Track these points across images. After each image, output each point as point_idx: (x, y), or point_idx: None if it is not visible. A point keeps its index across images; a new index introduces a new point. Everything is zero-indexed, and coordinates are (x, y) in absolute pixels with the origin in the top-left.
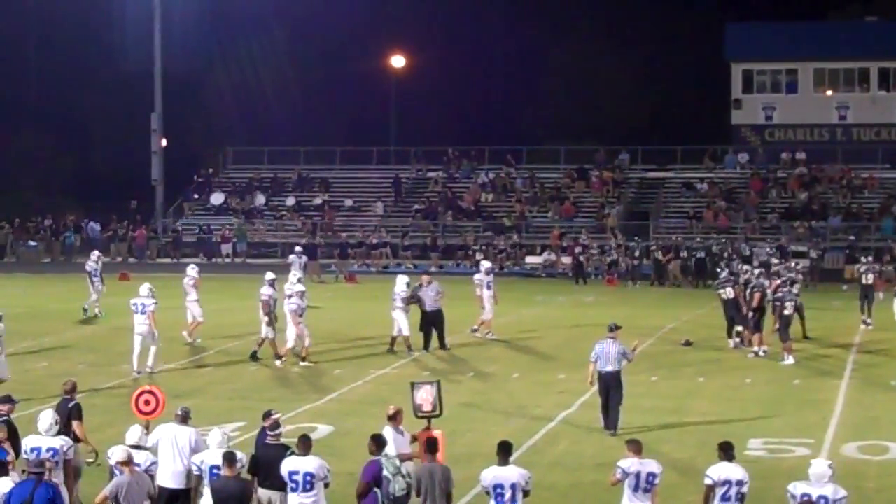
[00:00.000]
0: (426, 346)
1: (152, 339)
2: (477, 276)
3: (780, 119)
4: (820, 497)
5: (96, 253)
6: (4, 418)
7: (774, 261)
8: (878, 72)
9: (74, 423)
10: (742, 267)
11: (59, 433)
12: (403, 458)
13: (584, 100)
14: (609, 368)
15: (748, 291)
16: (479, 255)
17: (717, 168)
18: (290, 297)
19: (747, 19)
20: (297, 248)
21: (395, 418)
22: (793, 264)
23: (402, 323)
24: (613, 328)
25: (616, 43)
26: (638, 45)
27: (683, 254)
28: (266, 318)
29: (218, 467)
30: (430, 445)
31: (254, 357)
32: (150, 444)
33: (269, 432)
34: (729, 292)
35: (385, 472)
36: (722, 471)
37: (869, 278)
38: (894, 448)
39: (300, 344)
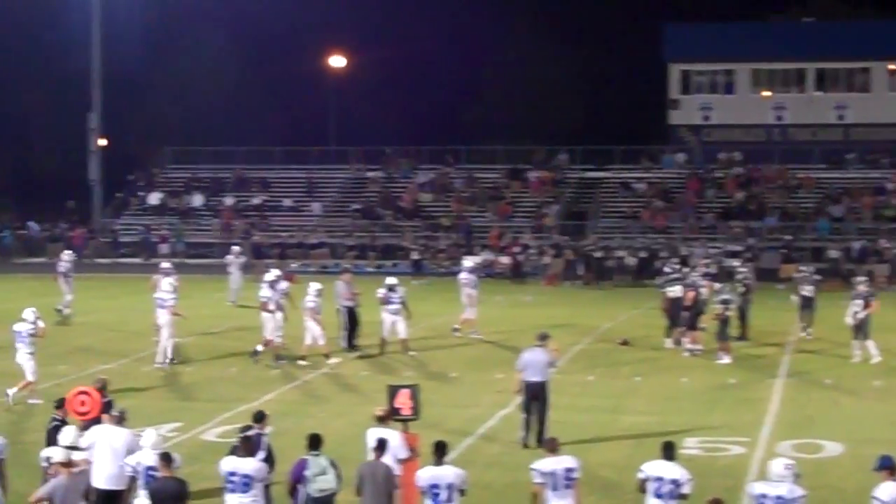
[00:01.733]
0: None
1: (168, 332)
2: (462, 276)
3: (718, 119)
4: (776, 497)
5: (68, 252)
6: None
7: (736, 262)
8: (815, 72)
9: None
10: (675, 267)
11: None
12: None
13: (522, 100)
14: (536, 378)
15: (684, 290)
16: (414, 255)
17: (655, 168)
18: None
19: (685, 20)
20: (235, 248)
21: (385, 420)
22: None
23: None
24: (542, 337)
25: (554, 43)
26: (576, 45)
27: (622, 253)
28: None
29: (153, 468)
30: (380, 445)
31: (255, 354)
32: (86, 445)
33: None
34: (677, 290)
35: (307, 472)
36: (656, 468)
37: (808, 289)
38: (829, 446)
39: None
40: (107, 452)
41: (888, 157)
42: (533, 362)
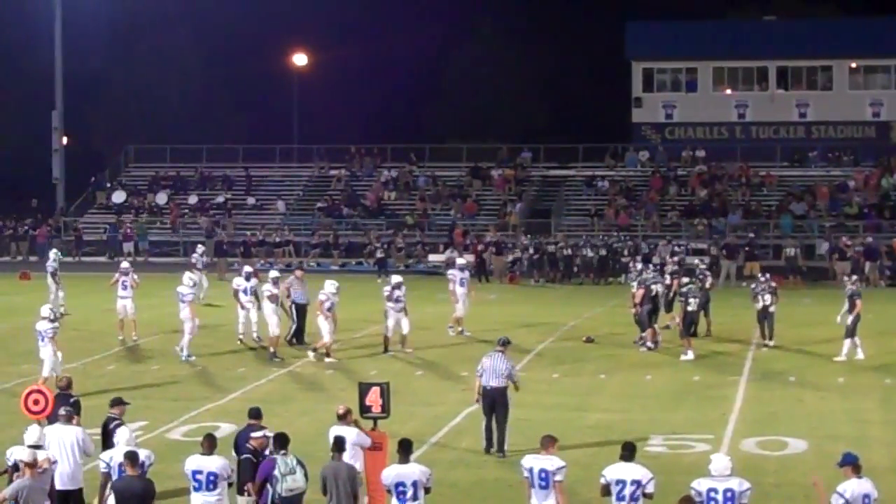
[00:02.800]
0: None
1: (190, 327)
2: (451, 272)
3: (680, 117)
4: (726, 490)
5: (55, 251)
6: None
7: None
8: (777, 70)
9: None
10: (637, 266)
11: None
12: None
13: (486, 98)
14: (494, 384)
15: (635, 288)
16: (379, 254)
17: (618, 166)
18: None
19: (647, 18)
20: (200, 248)
21: (345, 417)
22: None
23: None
24: (503, 342)
25: (517, 41)
26: (539, 43)
27: (586, 251)
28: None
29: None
30: (337, 444)
31: (283, 343)
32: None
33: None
34: (658, 288)
35: (275, 472)
36: (616, 471)
37: (766, 299)
38: (793, 443)
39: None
40: (60, 452)
41: (850, 154)
42: (492, 367)
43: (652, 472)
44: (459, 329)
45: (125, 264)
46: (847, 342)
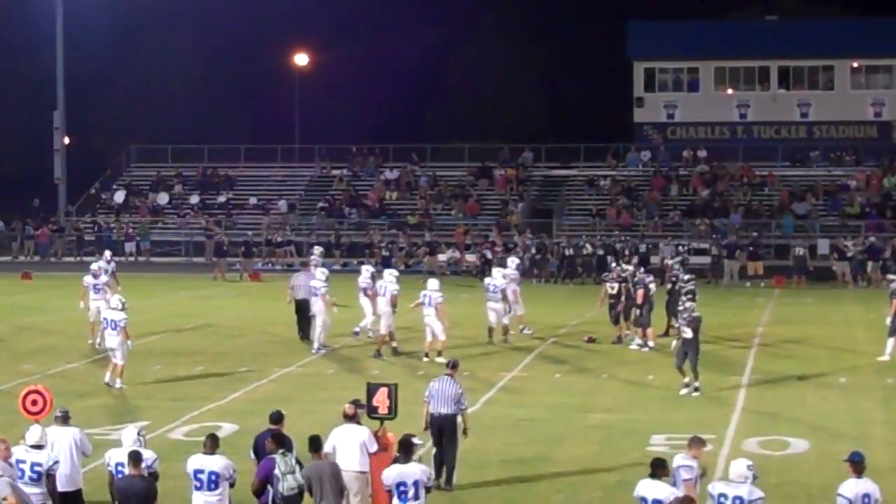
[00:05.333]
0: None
1: (322, 320)
2: (505, 271)
3: (682, 117)
4: (735, 497)
5: (109, 252)
6: None
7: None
8: (778, 70)
9: None
10: (622, 267)
11: None
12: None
13: (487, 98)
14: (443, 411)
15: (632, 287)
16: (384, 252)
17: (620, 166)
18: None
19: (649, 18)
20: (318, 249)
21: (354, 417)
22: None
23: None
24: (452, 365)
25: (519, 42)
26: (540, 43)
27: (587, 249)
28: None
29: (122, 464)
30: (313, 444)
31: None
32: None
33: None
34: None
35: (276, 471)
36: (641, 488)
37: (687, 332)
38: (795, 443)
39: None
40: (57, 454)
41: (852, 154)
42: (441, 393)
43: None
44: (521, 327)
45: (95, 266)
46: (890, 341)
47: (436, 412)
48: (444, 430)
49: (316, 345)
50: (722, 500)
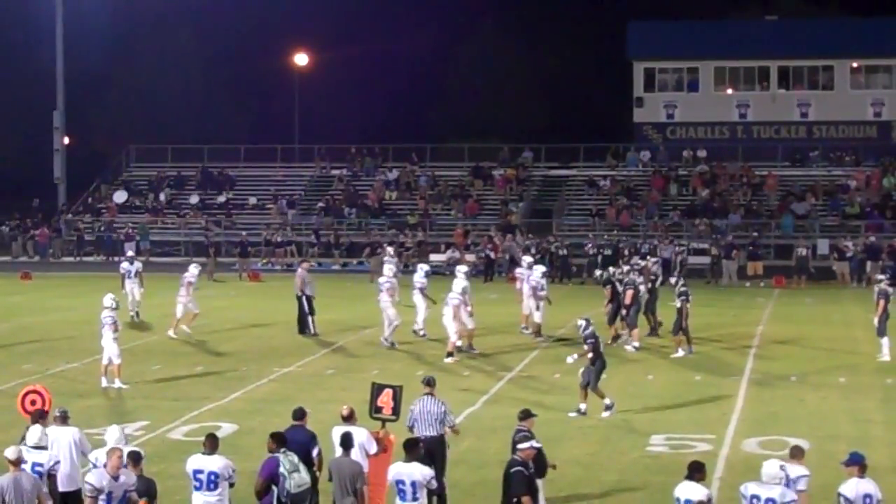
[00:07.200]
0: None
1: (390, 318)
2: (518, 271)
3: (682, 117)
4: (768, 499)
5: (132, 252)
6: None
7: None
8: (778, 70)
9: None
10: (614, 269)
11: None
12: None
13: (487, 98)
14: (429, 433)
15: (622, 289)
16: (389, 249)
17: (620, 166)
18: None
19: (649, 18)
20: (390, 249)
21: (351, 418)
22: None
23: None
24: (428, 382)
25: (519, 41)
26: (540, 43)
27: (588, 248)
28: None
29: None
30: (344, 442)
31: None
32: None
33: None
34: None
35: (281, 469)
36: (678, 490)
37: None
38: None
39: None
40: (57, 454)
41: (851, 154)
42: (424, 414)
43: (708, 490)
44: (523, 326)
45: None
46: (884, 341)
47: (422, 435)
48: (433, 454)
49: (388, 341)
50: (755, 501)
